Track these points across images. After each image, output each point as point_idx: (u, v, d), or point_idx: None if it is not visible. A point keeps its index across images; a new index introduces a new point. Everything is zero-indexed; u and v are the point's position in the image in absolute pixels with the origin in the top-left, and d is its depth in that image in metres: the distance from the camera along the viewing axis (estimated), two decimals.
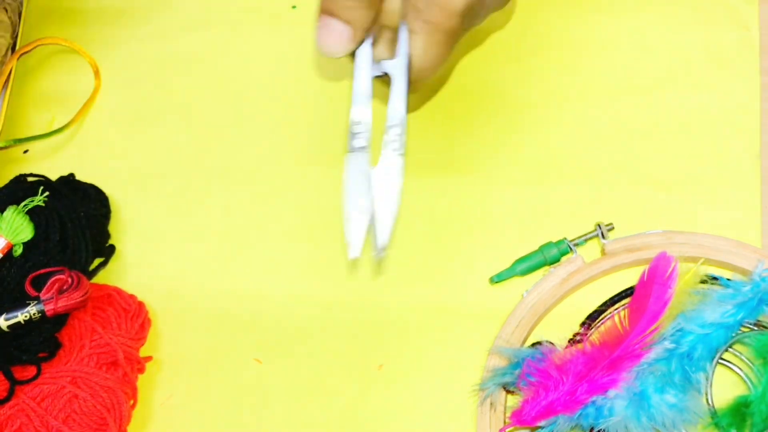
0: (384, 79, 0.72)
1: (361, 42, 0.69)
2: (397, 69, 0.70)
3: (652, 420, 0.70)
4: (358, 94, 0.70)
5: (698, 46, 0.84)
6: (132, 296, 0.82)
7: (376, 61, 0.71)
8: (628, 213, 0.80)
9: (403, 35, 0.70)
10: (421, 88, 0.73)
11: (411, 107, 0.72)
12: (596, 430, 0.71)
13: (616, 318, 0.73)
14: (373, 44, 0.71)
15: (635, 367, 0.71)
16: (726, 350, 0.73)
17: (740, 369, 0.73)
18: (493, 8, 0.72)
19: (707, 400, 0.72)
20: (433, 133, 0.85)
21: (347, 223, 0.69)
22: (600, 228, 0.79)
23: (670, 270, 0.71)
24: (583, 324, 0.76)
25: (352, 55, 0.70)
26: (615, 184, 0.81)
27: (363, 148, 0.69)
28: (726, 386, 0.73)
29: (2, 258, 0.79)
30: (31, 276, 0.78)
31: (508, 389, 0.75)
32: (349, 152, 0.69)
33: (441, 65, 0.71)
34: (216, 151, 0.88)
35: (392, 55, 0.71)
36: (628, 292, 0.76)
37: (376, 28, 0.70)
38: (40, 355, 0.78)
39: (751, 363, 0.73)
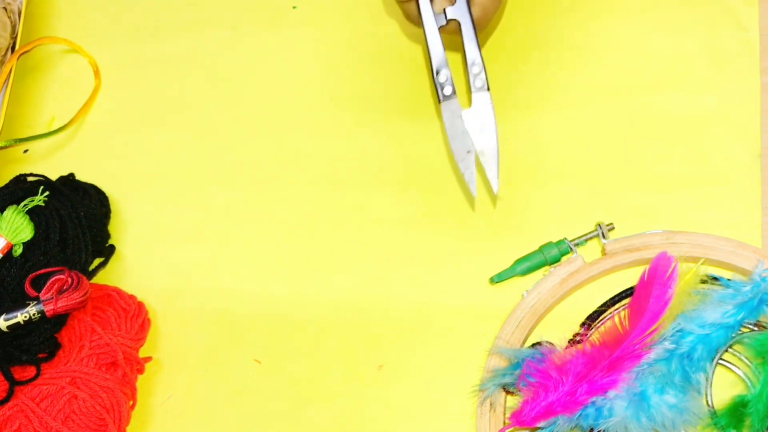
0: (449, 27, 0.76)
1: None
2: (460, 11, 0.76)
3: (652, 420, 0.70)
4: (433, 46, 0.76)
5: (699, 46, 0.84)
6: (132, 296, 0.82)
7: (438, 12, 0.76)
8: (628, 213, 0.80)
9: None
10: (487, 24, 0.77)
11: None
12: (596, 430, 0.71)
13: (616, 318, 0.73)
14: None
15: (635, 368, 0.71)
16: (726, 350, 0.73)
17: (740, 369, 0.73)
18: None
19: (707, 400, 0.72)
20: (434, 132, 0.85)
21: (461, 165, 0.76)
22: (600, 228, 0.79)
23: (670, 270, 0.71)
24: (583, 324, 0.76)
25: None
26: (615, 184, 0.81)
27: (452, 94, 0.76)
28: (726, 386, 0.73)
29: (2, 258, 0.79)
30: (30, 276, 0.78)
31: (508, 390, 0.75)
32: (441, 102, 0.76)
33: None
34: (216, 151, 0.88)
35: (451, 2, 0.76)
36: (628, 292, 0.76)
37: None
38: (40, 355, 0.78)
39: (751, 363, 0.73)
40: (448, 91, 0.76)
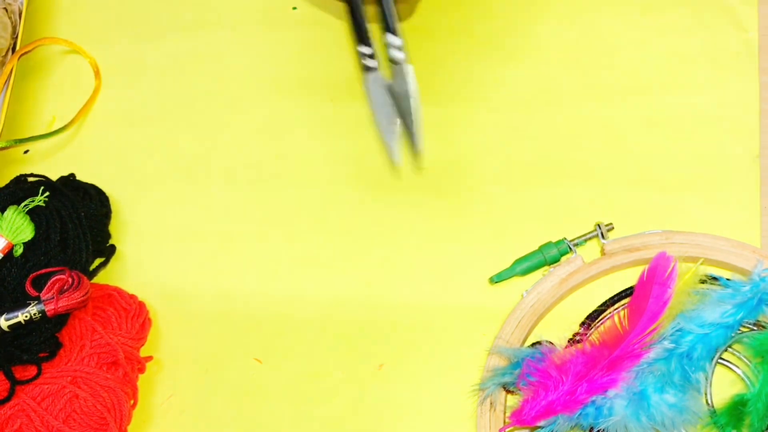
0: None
1: None
2: None
3: (651, 420, 0.70)
4: (355, 19, 0.78)
5: (698, 47, 0.84)
6: (132, 296, 0.82)
7: None
8: (628, 213, 0.80)
9: None
10: None
11: (403, 17, 0.81)
12: (596, 429, 0.71)
13: (616, 318, 0.73)
14: None
15: (635, 367, 0.71)
16: (725, 350, 0.73)
17: (740, 368, 0.73)
18: None
19: (707, 399, 0.72)
20: (434, 132, 0.85)
21: (382, 135, 0.79)
22: (600, 228, 0.79)
23: (669, 270, 0.71)
24: (582, 324, 0.76)
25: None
26: (615, 184, 0.81)
27: (375, 66, 0.78)
28: (726, 386, 0.73)
29: (3, 258, 0.79)
30: (31, 276, 0.78)
31: (508, 389, 0.75)
32: (365, 72, 0.78)
33: None
34: (216, 151, 0.88)
35: None
36: (627, 292, 0.76)
37: None
38: (41, 354, 0.78)
39: (750, 362, 0.73)
40: (371, 63, 0.78)
